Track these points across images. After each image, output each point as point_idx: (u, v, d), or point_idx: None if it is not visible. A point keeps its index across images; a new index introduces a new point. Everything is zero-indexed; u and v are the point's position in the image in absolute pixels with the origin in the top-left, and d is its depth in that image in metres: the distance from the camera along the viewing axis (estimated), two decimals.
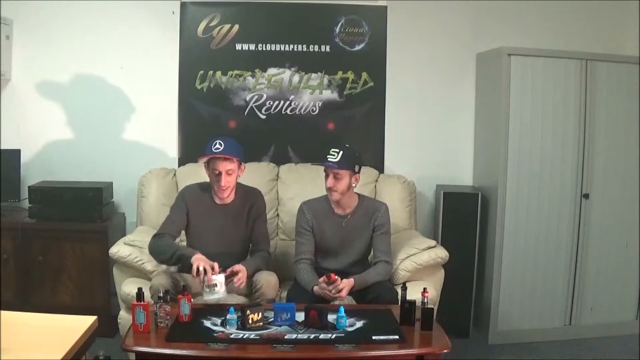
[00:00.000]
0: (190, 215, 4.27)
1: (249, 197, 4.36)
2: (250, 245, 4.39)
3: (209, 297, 3.77)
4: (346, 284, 4.07)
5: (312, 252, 4.35)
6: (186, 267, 4.02)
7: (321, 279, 4.08)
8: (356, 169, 4.27)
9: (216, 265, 3.83)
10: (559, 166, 5.10)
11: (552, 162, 5.09)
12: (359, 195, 4.42)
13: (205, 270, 3.78)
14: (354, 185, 4.31)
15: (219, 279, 3.79)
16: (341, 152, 4.20)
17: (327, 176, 4.24)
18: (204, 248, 4.05)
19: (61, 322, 2.37)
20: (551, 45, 5.18)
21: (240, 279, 3.97)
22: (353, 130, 5.49)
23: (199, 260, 3.84)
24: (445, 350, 3.36)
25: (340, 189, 4.23)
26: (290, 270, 4.39)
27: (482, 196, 5.21)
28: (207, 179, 4.30)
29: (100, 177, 5.36)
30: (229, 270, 3.97)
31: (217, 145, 4.10)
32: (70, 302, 4.99)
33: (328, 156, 4.20)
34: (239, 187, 4.35)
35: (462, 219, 5.19)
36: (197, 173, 4.45)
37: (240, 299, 4.08)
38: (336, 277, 3.98)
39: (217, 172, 4.13)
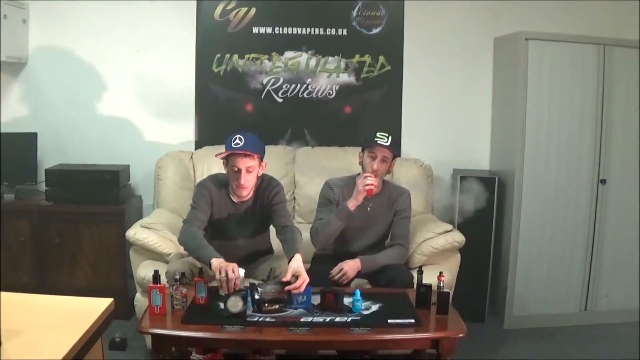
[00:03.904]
0: (213, 208, 4.05)
1: (267, 190, 4.11)
2: (275, 228, 4.13)
3: (232, 310, 3.44)
4: (351, 266, 4.12)
5: None
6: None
7: (335, 269, 4.12)
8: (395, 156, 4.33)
9: (235, 268, 3.54)
10: (576, 152, 5.05)
11: (569, 147, 5.04)
12: (383, 180, 4.41)
13: (227, 275, 3.50)
14: (390, 171, 4.36)
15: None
16: (390, 137, 4.19)
17: (373, 159, 4.20)
18: (222, 245, 3.91)
19: (77, 304, 2.36)
20: (569, 29, 5.13)
21: (304, 281, 3.58)
22: (370, 114, 5.47)
23: (219, 267, 3.54)
24: (461, 335, 3.35)
25: (381, 174, 4.24)
26: (308, 253, 4.36)
27: (498, 180, 5.18)
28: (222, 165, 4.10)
29: (117, 159, 5.36)
30: (289, 274, 3.60)
31: (237, 141, 3.86)
32: (86, 284, 5.01)
33: (376, 138, 4.16)
34: (257, 180, 4.10)
35: (479, 203, 5.14)
36: (213, 156, 4.39)
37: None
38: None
39: (237, 169, 3.89)
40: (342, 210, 4.17)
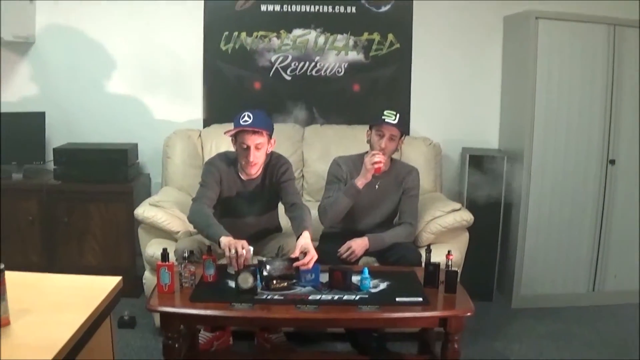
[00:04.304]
0: (222, 186, 4.05)
1: (275, 168, 4.11)
2: (284, 205, 4.14)
3: (243, 286, 3.45)
4: (359, 244, 4.13)
5: None
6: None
7: (343, 247, 4.13)
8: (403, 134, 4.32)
9: (245, 244, 3.56)
10: (586, 131, 5.02)
11: (578, 127, 5.01)
12: (391, 158, 4.40)
13: (237, 252, 3.51)
14: (398, 149, 4.35)
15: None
16: (398, 115, 4.17)
17: (380, 137, 4.19)
18: (231, 223, 3.90)
19: (86, 282, 2.37)
20: (580, 9, 5.07)
21: (313, 258, 3.61)
22: (379, 92, 5.45)
23: (229, 244, 3.56)
24: (469, 314, 3.35)
25: (389, 152, 4.23)
26: (316, 232, 4.35)
27: (507, 159, 5.15)
28: (231, 142, 4.09)
29: (125, 138, 5.36)
30: (297, 251, 3.63)
31: (246, 118, 3.85)
32: (95, 263, 5.02)
33: (384, 117, 4.14)
34: (266, 158, 4.09)
35: (488, 182, 5.13)
36: (222, 134, 4.37)
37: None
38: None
39: (245, 146, 3.88)
40: (351, 188, 4.17)
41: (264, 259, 3.63)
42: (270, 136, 3.99)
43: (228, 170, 4.06)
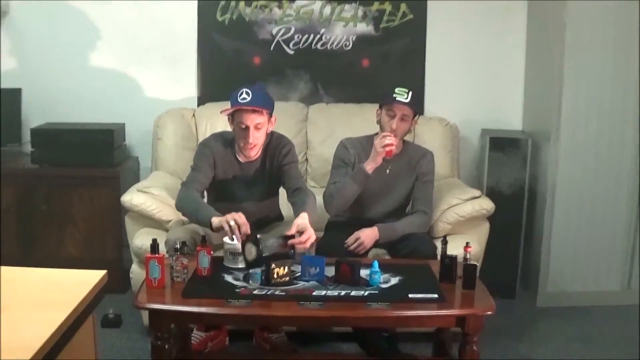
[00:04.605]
0: (217, 169, 4.07)
1: (277, 150, 4.11)
2: (286, 190, 4.17)
3: (248, 257, 3.54)
4: (368, 235, 4.13)
5: None
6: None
7: (351, 238, 4.13)
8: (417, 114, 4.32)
9: (241, 214, 3.63)
10: (619, 113, 4.97)
11: (611, 108, 4.96)
12: (403, 140, 4.40)
13: (235, 221, 3.57)
14: (411, 130, 4.35)
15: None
16: (410, 92, 4.16)
17: (391, 117, 4.18)
18: (229, 207, 3.87)
19: (66, 277, 2.37)
20: None
21: (310, 237, 3.67)
22: (390, 68, 5.44)
23: (224, 218, 3.60)
24: (489, 312, 3.33)
25: (401, 133, 4.23)
26: (321, 221, 4.36)
27: (532, 142, 5.14)
28: (227, 122, 4.11)
29: (111, 117, 5.36)
30: (293, 229, 3.68)
31: (244, 95, 3.83)
32: (76, 255, 5.03)
33: (395, 95, 4.13)
34: (266, 138, 4.10)
35: (510, 167, 5.13)
36: (218, 113, 4.36)
37: None
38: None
39: (244, 126, 3.87)
40: (359, 173, 4.17)
41: (258, 236, 3.63)
42: (270, 114, 3.99)
43: (224, 152, 4.07)
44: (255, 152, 4.04)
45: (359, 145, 4.37)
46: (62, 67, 5.42)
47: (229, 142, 4.09)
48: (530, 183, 5.16)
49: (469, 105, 5.57)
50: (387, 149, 4.08)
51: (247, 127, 3.88)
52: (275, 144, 4.12)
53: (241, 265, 3.63)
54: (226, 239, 3.67)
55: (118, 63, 5.43)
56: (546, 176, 5.06)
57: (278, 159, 4.09)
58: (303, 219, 3.72)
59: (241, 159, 4.09)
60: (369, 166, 4.14)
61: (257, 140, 3.95)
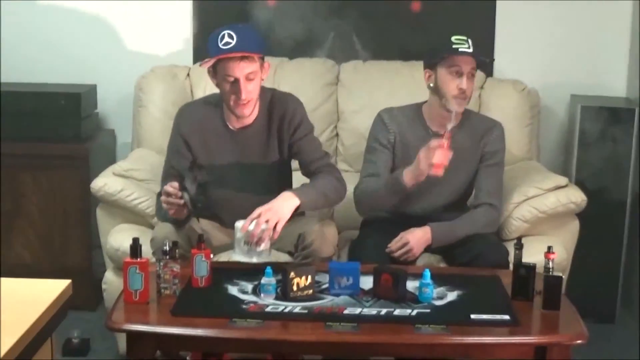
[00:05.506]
0: (195, 152, 4.07)
1: (277, 107, 4.10)
2: (304, 170, 4.18)
3: (246, 258, 3.65)
4: (418, 237, 4.09)
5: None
6: (203, 215, 3.95)
7: (396, 242, 4.11)
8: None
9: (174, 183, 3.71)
10: None
11: None
12: (464, 109, 4.33)
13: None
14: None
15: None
16: (469, 40, 4.11)
17: (456, 75, 4.11)
18: (220, 197, 3.96)
19: (16, 289, 2.37)
20: None
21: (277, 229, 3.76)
22: (447, 13, 5.42)
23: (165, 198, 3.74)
24: (579, 341, 3.29)
25: (469, 94, 4.18)
26: (355, 217, 4.35)
27: None
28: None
29: (78, 78, 5.39)
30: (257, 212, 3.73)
31: (227, 39, 3.79)
32: (31, 260, 5.05)
33: (455, 45, 4.08)
34: (262, 95, 4.07)
35: (609, 146, 5.10)
36: None
37: (281, 257, 4.04)
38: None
39: (232, 79, 3.85)
40: (395, 184, 4.10)
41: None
42: (262, 58, 3.96)
43: (209, 120, 4.10)
44: (249, 110, 4.00)
45: (402, 118, 4.33)
46: (12, 9, 5.39)
47: (215, 105, 4.11)
48: (637, 168, 5.12)
49: (554, 64, 5.54)
50: (434, 171, 3.91)
51: (237, 80, 3.85)
52: (278, 102, 4.11)
53: (256, 259, 3.64)
54: (238, 224, 3.68)
55: (89, 5, 5.44)
56: None
57: (289, 131, 4.08)
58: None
59: (233, 125, 4.08)
60: (408, 177, 4.02)
61: (250, 94, 3.91)
